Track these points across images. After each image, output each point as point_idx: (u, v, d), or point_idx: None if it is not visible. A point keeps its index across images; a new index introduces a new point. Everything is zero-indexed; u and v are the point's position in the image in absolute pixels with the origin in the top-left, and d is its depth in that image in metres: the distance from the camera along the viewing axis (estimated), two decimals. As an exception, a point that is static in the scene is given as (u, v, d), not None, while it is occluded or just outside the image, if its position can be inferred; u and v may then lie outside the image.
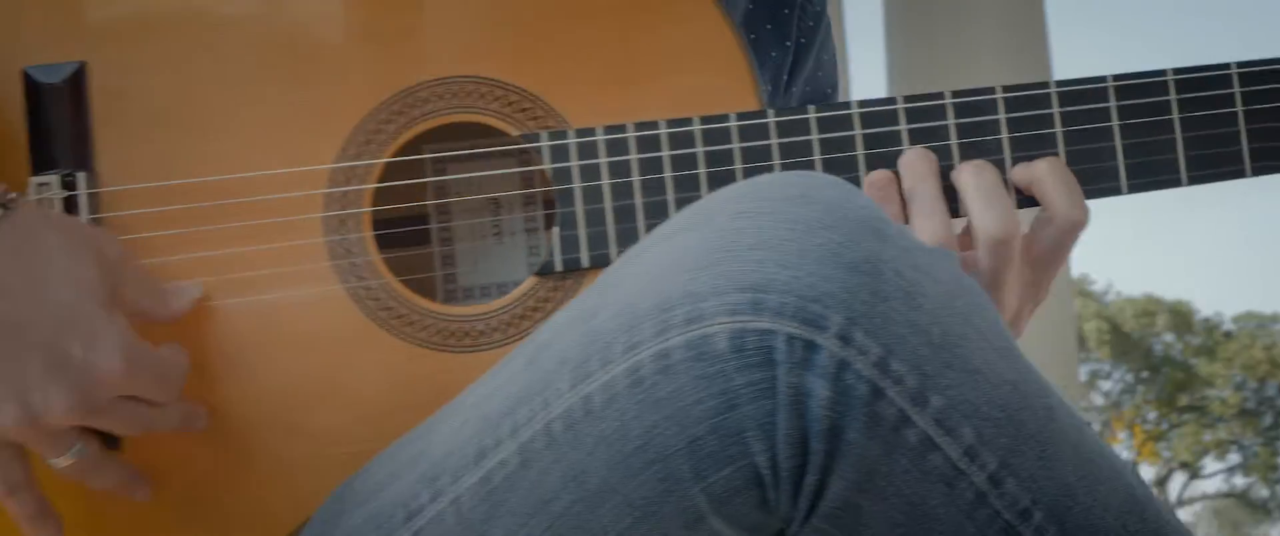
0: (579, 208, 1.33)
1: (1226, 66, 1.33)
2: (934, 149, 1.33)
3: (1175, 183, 1.33)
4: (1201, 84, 1.33)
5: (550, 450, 1.05)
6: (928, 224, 1.29)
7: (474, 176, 1.38)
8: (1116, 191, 1.34)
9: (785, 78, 1.64)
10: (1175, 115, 1.33)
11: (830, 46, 1.72)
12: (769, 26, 1.64)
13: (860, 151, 1.33)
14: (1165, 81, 1.33)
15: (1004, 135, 1.33)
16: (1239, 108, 1.33)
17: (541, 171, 1.36)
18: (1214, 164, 1.33)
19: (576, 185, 1.33)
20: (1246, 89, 1.33)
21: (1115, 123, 1.33)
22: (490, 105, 1.34)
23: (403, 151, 1.35)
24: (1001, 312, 1.30)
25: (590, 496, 1.04)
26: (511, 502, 1.07)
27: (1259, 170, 1.33)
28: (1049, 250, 1.32)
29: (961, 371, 1.02)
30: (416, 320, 1.33)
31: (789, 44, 1.64)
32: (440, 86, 1.34)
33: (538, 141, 1.33)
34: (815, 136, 1.33)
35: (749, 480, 1.01)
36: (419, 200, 1.42)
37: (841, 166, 1.33)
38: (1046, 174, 1.31)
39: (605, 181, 1.33)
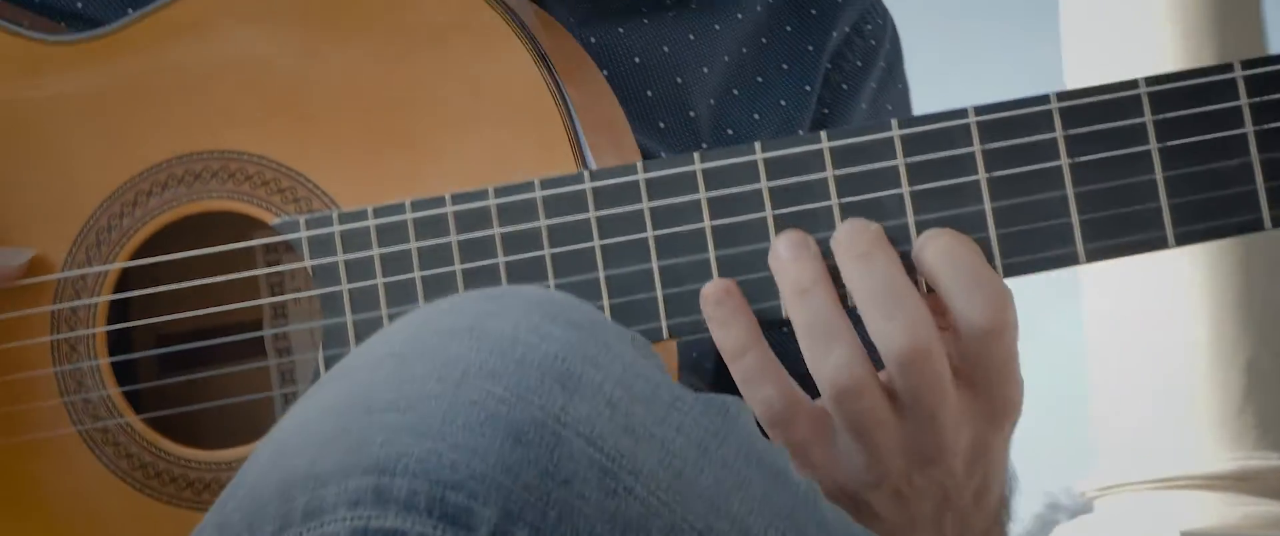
0: (349, 317, 1.00)
1: (1227, 68, 0.91)
2: (809, 213, 0.95)
3: (1159, 242, 0.91)
4: (1189, 98, 0.91)
5: None
6: (832, 354, 0.92)
7: (221, 281, 1.06)
8: (1071, 260, 0.93)
9: (801, 133, 1.26)
10: (1153, 144, 0.91)
11: (897, 89, 1.34)
12: (784, 66, 1.27)
13: (706, 222, 0.96)
14: (1137, 96, 0.91)
15: (904, 189, 0.94)
16: (1249, 127, 0.90)
17: (303, 269, 1.04)
18: (1213, 212, 0.91)
19: (344, 287, 1.01)
20: (1258, 99, 0.90)
21: (1064, 160, 0.92)
22: (241, 187, 1.03)
23: (142, 250, 1.05)
24: (949, 458, 0.92)
25: None
26: None
27: (1183, 238, 0.91)
28: (973, 368, 0.91)
29: None
30: (164, 469, 1.03)
31: (810, 89, 1.27)
32: (178, 165, 1.04)
33: (295, 231, 1.01)
34: (645, 205, 0.97)
35: None
36: (163, 313, 1.10)
37: (683, 245, 0.96)
38: (935, 263, 0.91)
39: (380, 280, 1.00)
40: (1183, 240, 0.90)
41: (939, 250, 0.91)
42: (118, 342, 1.06)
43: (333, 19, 1.02)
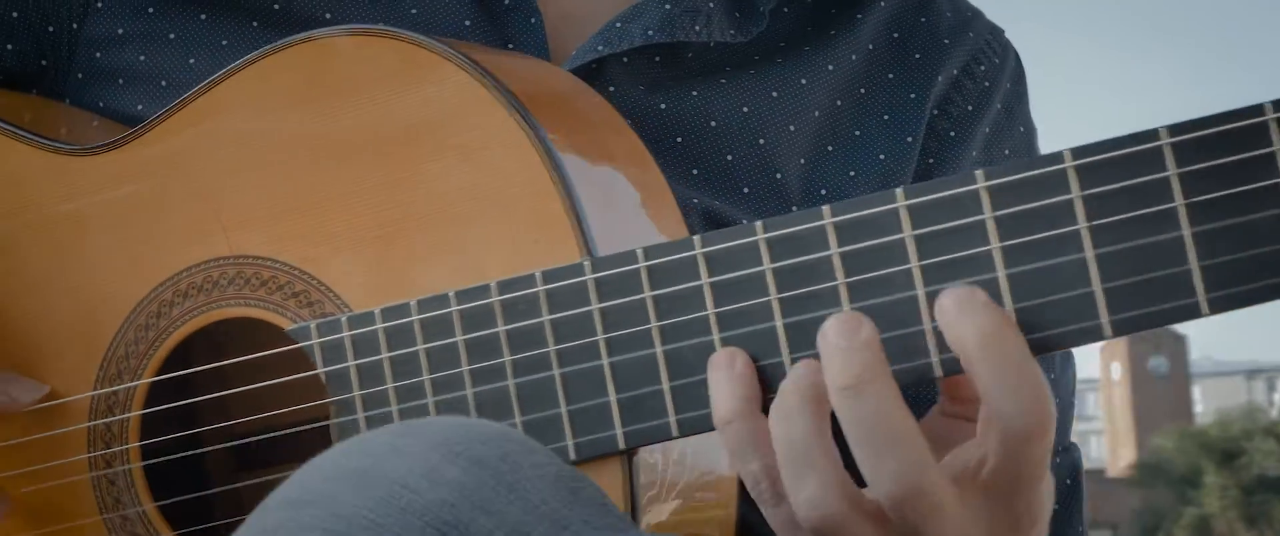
0: (361, 417, 0.97)
1: (1259, 110, 0.81)
2: (814, 296, 0.88)
3: (1191, 311, 0.82)
4: (1220, 146, 0.81)
5: None
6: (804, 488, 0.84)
7: (248, 390, 1.03)
8: (1096, 335, 0.83)
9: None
10: (1179, 201, 0.81)
11: (1017, 134, 1.24)
12: (886, 118, 1.19)
13: (710, 310, 0.90)
14: (1159, 148, 0.82)
15: (913, 263, 0.86)
16: (1179, 200, 0.80)
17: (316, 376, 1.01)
18: (1251, 273, 0.81)
19: (356, 393, 0.97)
20: (1187, 169, 0.80)
21: (1083, 224, 0.83)
22: (257, 292, 1.01)
23: (169, 362, 1.03)
24: None
25: None
26: None
27: (1218, 304, 0.80)
28: (1004, 476, 0.82)
29: None
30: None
31: (912, 140, 1.18)
32: (198, 273, 1.02)
33: (308, 338, 0.98)
34: (647, 293, 0.91)
35: None
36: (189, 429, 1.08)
37: (687, 331, 0.90)
38: (976, 353, 0.81)
39: (390, 385, 0.96)
40: (1218, 306, 0.81)
41: (982, 337, 0.81)
42: (157, 456, 1.05)
43: (335, 119, 0.99)
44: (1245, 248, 0.79)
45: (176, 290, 1.02)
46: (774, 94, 1.17)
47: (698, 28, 1.13)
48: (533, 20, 1.13)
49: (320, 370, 0.97)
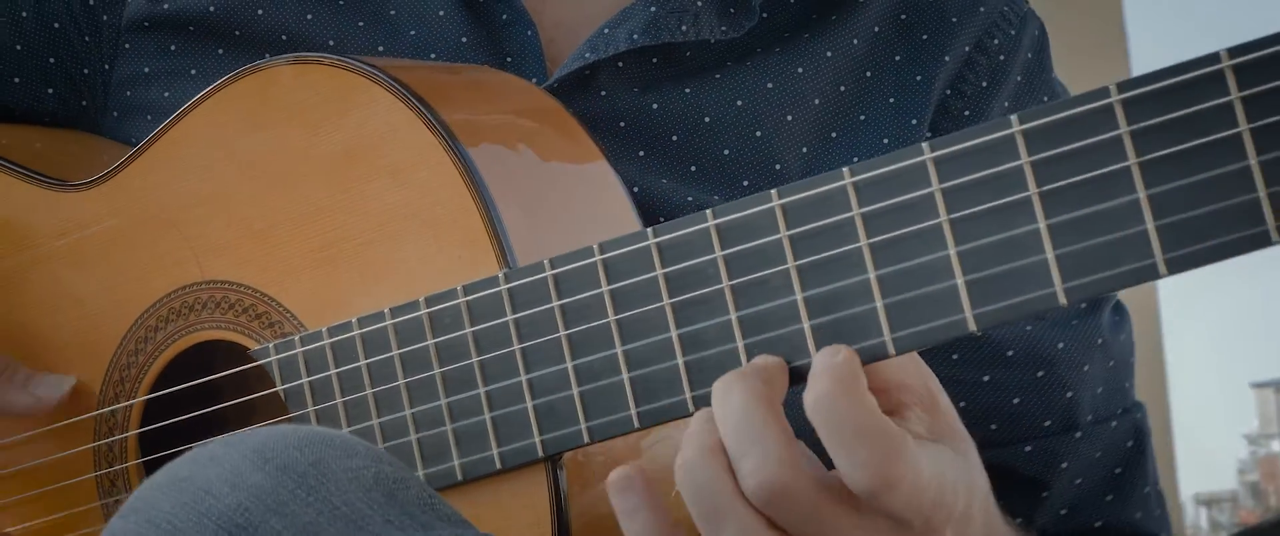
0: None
1: (1215, 58, 0.75)
2: (699, 303, 0.88)
3: (1048, 300, 0.80)
4: (1174, 100, 0.77)
5: None
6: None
7: (227, 407, 1.08)
8: (960, 329, 0.82)
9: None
10: (1132, 160, 0.77)
11: (1042, 104, 1.21)
12: (892, 101, 1.17)
13: (611, 317, 0.91)
14: (1011, 135, 0.80)
15: (789, 263, 0.86)
16: (1242, 124, 0.75)
17: (277, 394, 1.05)
18: (1106, 259, 0.78)
19: (310, 409, 1.01)
20: (1249, 92, 0.74)
21: (944, 216, 0.82)
22: (226, 315, 1.06)
23: (160, 381, 1.09)
24: None
25: None
26: None
27: (1176, 264, 0.77)
28: (884, 510, 0.82)
29: None
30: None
31: (917, 122, 1.16)
32: (176, 299, 1.08)
33: (267, 357, 1.02)
34: (555, 304, 0.93)
35: None
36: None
37: (594, 340, 0.91)
38: (814, 417, 0.81)
39: (339, 400, 1.00)
40: (1176, 266, 0.76)
41: (814, 401, 0.80)
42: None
43: (283, 144, 1.03)
44: (1203, 204, 0.75)
45: (159, 316, 1.08)
46: (769, 85, 1.16)
47: (685, 27, 1.13)
48: (529, 33, 1.15)
49: (279, 387, 1.02)
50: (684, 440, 0.84)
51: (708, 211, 0.87)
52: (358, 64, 1.01)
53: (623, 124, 1.14)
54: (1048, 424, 1.15)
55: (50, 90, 1.25)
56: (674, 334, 0.88)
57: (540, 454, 0.93)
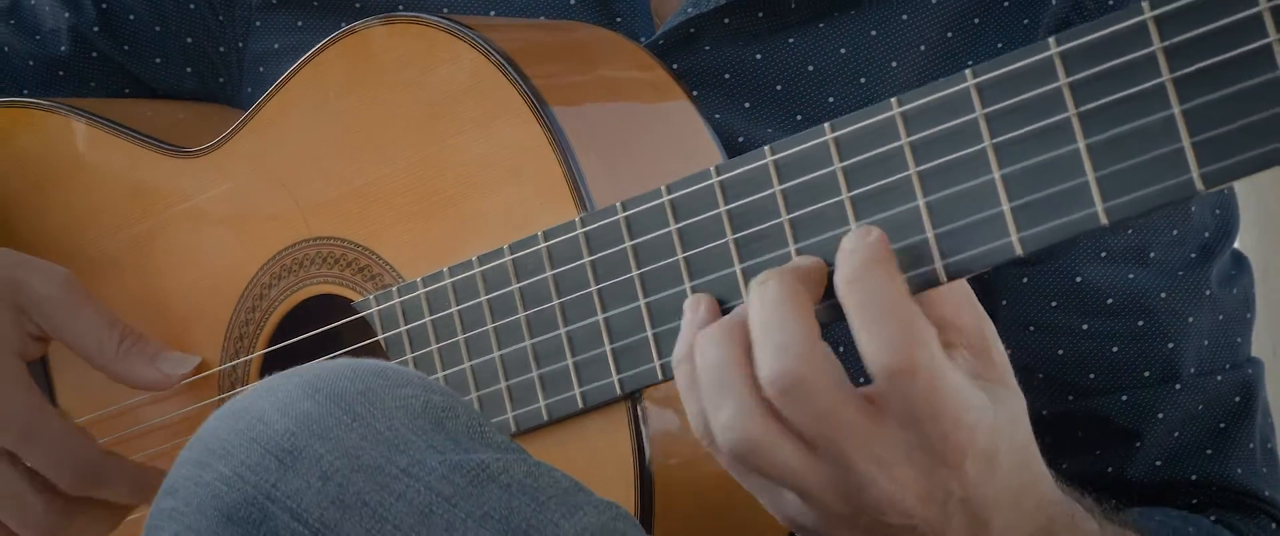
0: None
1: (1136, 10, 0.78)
2: (760, 237, 0.90)
3: (1089, 221, 0.80)
4: (1102, 50, 0.79)
5: None
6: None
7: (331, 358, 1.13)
8: (1007, 253, 0.82)
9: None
10: (1072, 111, 0.80)
11: None
12: (999, 45, 1.18)
13: (680, 255, 0.93)
14: (1049, 57, 0.80)
15: (844, 195, 0.87)
16: (1166, 75, 0.77)
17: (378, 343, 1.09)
18: (1144, 178, 0.78)
19: (408, 356, 1.05)
20: (1171, 42, 0.77)
21: (987, 141, 0.82)
22: (333, 270, 1.10)
23: (276, 334, 1.15)
24: (896, 498, 0.82)
25: None
26: None
27: (1212, 178, 0.77)
28: (891, 405, 0.81)
29: None
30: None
31: None
32: (287, 256, 1.13)
33: (369, 308, 1.07)
34: (628, 243, 0.95)
35: None
36: None
37: (658, 280, 0.94)
38: (842, 293, 0.82)
39: (434, 347, 1.04)
40: (1212, 180, 0.76)
41: (846, 278, 0.82)
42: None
43: (376, 103, 1.08)
44: (1237, 118, 0.75)
45: (272, 273, 1.13)
46: (873, 32, 1.17)
47: None
48: None
49: (381, 336, 1.06)
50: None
51: (766, 148, 0.89)
52: (444, 21, 1.04)
53: (727, 76, 1.16)
54: (1146, 374, 1.14)
55: (189, 68, 1.31)
56: (737, 268, 0.90)
57: (618, 392, 0.96)
